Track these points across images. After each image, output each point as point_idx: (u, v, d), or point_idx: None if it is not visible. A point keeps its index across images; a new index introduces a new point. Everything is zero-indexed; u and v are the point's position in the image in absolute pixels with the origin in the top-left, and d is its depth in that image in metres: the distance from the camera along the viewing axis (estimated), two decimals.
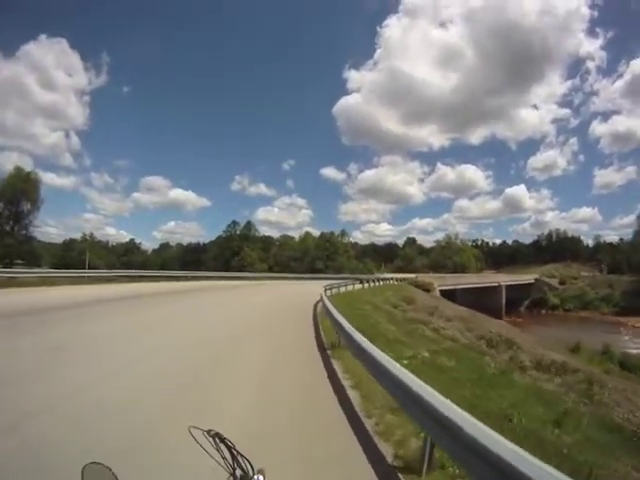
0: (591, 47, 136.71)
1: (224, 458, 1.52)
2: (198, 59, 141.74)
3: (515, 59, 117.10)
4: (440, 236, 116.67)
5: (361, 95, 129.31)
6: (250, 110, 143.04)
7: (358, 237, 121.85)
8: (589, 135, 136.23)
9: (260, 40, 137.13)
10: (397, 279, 49.96)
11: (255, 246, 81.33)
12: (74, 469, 1.49)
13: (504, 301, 63.16)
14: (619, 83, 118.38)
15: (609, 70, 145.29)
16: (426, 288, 47.51)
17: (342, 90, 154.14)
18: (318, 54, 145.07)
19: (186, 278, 41.36)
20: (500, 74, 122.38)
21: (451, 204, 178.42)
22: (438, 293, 48.48)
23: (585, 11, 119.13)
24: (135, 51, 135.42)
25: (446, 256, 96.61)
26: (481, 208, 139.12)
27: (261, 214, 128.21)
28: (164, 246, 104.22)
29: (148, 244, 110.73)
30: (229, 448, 1.52)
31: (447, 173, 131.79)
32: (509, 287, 65.90)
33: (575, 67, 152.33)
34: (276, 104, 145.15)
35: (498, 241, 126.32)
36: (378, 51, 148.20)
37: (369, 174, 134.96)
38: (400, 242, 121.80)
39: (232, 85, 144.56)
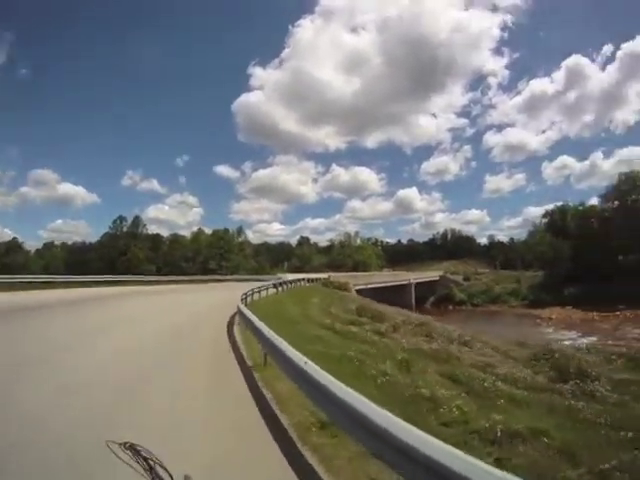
0: (496, 65, 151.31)
1: (146, 470, 1.49)
2: (97, 49, 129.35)
3: (420, 69, 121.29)
4: (331, 236, 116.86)
5: (263, 93, 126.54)
6: (146, 100, 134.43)
7: (249, 237, 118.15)
8: (483, 144, 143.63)
9: (162, 27, 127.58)
10: (308, 280, 44.06)
11: (143, 245, 72.47)
12: None
13: (414, 299, 61.21)
14: (517, 99, 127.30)
15: (509, 87, 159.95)
16: (344, 288, 42.78)
17: (245, 86, 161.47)
18: (224, 47, 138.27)
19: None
20: (403, 82, 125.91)
21: (343, 204, 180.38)
22: (355, 293, 43.95)
23: (496, 32, 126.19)
24: (29, 34, 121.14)
25: (346, 254, 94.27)
26: (373, 209, 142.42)
27: (151, 212, 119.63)
28: (48, 246, 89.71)
29: (33, 243, 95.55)
30: (145, 459, 1.50)
31: (341, 174, 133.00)
32: (417, 284, 64.00)
33: (477, 81, 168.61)
34: (173, 96, 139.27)
35: (389, 240, 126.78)
36: (286, 50, 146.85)
37: (263, 173, 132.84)
38: (292, 241, 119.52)
39: (127, 75, 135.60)
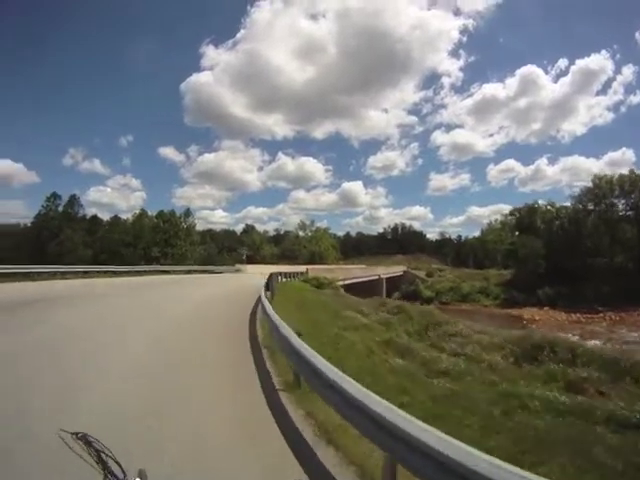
0: (451, 66, 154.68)
1: (97, 462, 1.45)
2: (35, 22, 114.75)
3: (375, 63, 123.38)
4: (275, 226, 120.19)
5: (213, 74, 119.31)
6: (93, 74, 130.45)
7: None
8: (430, 142, 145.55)
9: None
10: (285, 274, 38.29)
11: (79, 227, 64.67)
12: None
13: (385, 294, 59.19)
14: (468, 101, 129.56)
15: (462, 89, 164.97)
16: (334, 287, 38.96)
17: (195, 66, 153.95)
18: (176, 23, 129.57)
19: None
20: (357, 75, 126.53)
21: (287, 194, 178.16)
22: (342, 290, 40.51)
23: (455, 34, 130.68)
24: None
25: (301, 244, 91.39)
26: (317, 200, 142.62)
27: (92, 194, 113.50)
28: None
29: None
30: (97, 451, 1.46)
31: (287, 163, 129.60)
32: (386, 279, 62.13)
33: (431, 80, 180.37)
34: (121, 71, 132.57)
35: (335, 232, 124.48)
36: (242, 31, 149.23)
37: (209, 157, 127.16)
38: (237, 229, 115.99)
39: (72, 48, 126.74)
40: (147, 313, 13.34)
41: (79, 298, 16.97)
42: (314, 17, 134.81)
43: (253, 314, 13.83)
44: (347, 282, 48.22)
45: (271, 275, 24.39)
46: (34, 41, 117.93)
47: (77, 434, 1.47)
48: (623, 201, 57.04)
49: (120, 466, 1.44)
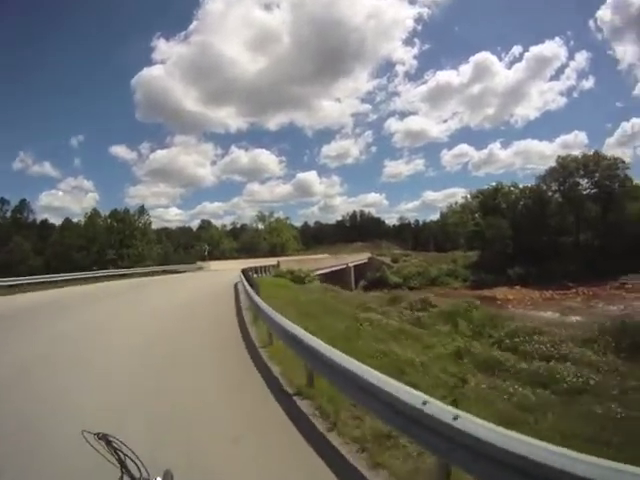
0: (405, 54, 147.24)
1: (117, 461, 1.50)
2: None
3: (329, 53, 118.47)
4: (230, 220, 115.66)
5: (165, 67, 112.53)
6: (37, 72, 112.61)
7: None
8: (384, 130, 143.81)
9: None
10: (255, 269, 35.30)
11: (29, 233, 60.25)
12: None
13: (354, 282, 58.48)
14: (422, 88, 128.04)
15: (416, 76, 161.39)
16: (310, 279, 37.45)
17: (147, 60, 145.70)
18: (127, 17, 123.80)
19: None
20: (310, 65, 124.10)
21: (242, 187, 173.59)
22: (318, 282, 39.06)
23: (409, 23, 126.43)
24: None
25: (261, 237, 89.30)
26: (272, 192, 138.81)
27: (44, 198, 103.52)
28: None
29: None
30: (116, 450, 1.50)
31: (241, 156, 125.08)
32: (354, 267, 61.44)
33: (385, 69, 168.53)
34: (68, 68, 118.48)
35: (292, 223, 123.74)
36: (195, 23, 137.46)
37: (161, 154, 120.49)
38: (192, 226, 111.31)
39: (17, 45, 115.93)
40: None
41: None
42: (268, 7, 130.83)
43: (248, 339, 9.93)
44: (319, 272, 46.75)
45: (244, 272, 22.28)
46: None
47: (98, 434, 1.49)
48: (587, 180, 58.05)
49: (138, 466, 1.46)
